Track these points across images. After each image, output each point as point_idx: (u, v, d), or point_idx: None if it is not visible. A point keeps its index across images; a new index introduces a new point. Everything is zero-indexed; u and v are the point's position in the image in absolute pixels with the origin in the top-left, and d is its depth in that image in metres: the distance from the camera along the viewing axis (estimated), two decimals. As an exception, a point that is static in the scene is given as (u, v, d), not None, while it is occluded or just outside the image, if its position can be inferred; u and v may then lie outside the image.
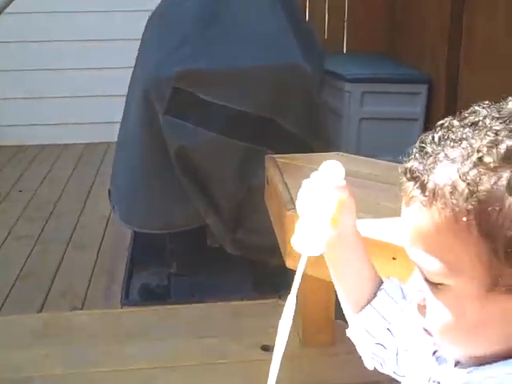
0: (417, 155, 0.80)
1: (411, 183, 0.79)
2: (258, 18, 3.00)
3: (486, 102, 0.82)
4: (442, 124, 0.81)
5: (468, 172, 0.74)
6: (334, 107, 5.07)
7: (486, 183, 0.74)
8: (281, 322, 0.89)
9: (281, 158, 2.66)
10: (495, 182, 0.73)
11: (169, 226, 3.10)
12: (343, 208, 0.97)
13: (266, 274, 3.02)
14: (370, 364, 1.07)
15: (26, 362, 2.43)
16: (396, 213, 2.13)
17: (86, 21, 5.41)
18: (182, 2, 3.19)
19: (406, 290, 1.04)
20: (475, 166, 0.74)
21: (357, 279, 1.06)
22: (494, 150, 0.74)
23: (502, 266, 0.75)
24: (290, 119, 2.95)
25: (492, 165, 0.74)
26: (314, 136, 2.96)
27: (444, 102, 4.92)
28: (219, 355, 2.48)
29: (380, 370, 1.06)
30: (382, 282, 1.06)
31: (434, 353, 0.90)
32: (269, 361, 2.71)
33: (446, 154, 0.77)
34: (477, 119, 0.79)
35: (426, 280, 0.81)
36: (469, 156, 0.75)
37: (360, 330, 1.05)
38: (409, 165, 0.80)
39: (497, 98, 0.87)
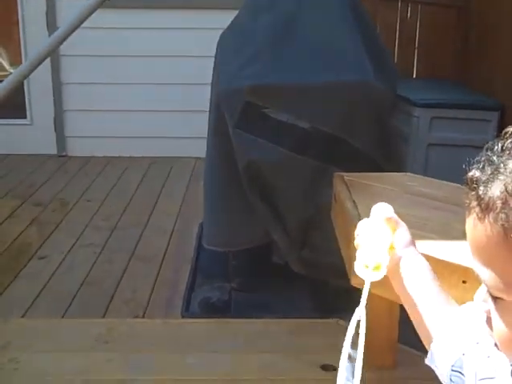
0: (480, 164, 0.79)
1: (471, 193, 0.79)
2: (332, 34, 3.00)
3: None
4: (505, 133, 0.80)
5: None
6: (402, 132, 5.02)
7: None
8: (345, 343, 0.96)
9: (349, 176, 2.64)
10: None
11: (234, 244, 3.11)
12: (398, 237, 1.08)
13: (328, 294, 2.99)
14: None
15: (87, 365, 2.46)
16: (465, 235, 2.09)
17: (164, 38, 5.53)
18: (255, 18, 3.22)
19: None
20: None
21: (432, 300, 1.07)
22: None
23: None
24: (360, 138, 2.93)
25: None
26: (384, 156, 2.93)
27: (516, 130, 4.81)
28: (278, 372, 2.46)
29: None
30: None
31: None
32: (328, 380, 2.68)
33: (505, 166, 0.75)
34: None
35: (488, 291, 0.80)
36: None
37: (435, 357, 1.04)
38: (471, 174, 0.79)
39: None
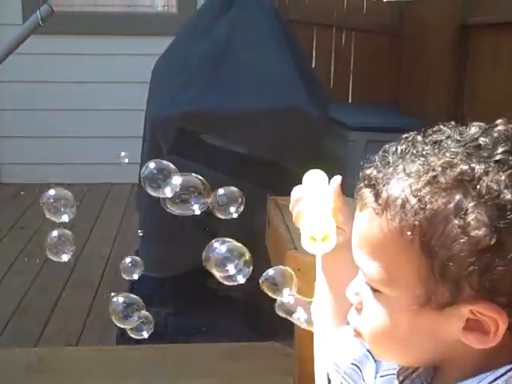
0: (377, 163, 0.82)
1: (367, 190, 0.82)
2: (265, 60, 3.04)
3: (452, 123, 0.84)
4: (407, 137, 0.83)
5: (421, 188, 0.76)
6: (338, 156, 5.09)
7: (436, 202, 0.76)
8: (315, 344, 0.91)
9: (283, 200, 2.66)
10: (444, 203, 0.75)
11: (169, 270, 3.09)
12: (340, 213, 1.00)
13: (264, 318, 2.98)
14: (336, 381, 1.05)
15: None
16: None
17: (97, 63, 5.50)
18: (189, 45, 3.25)
19: None
20: (429, 183, 0.76)
21: (343, 294, 1.05)
22: (448, 171, 0.76)
23: (436, 284, 0.76)
24: (294, 162, 2.96)
25: (444, 185, 0.76)
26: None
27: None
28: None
29: None
30: None
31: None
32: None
33: (404, 167, 0.79)
34: (439, 138, 0.81)
35: (367, 284, 0.83)
36: (424, 173, 0.77)
37: (337, 348, 1.04)
38: (368, 171, 0.82)
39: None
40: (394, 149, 0.82)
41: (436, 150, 0.79)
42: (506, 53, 4.43)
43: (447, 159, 0.77)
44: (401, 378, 0.90)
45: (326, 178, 1.04)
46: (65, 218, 1.19)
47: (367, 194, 0.81)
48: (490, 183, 0.75)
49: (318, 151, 3.11)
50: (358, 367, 1.01)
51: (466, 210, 0.74)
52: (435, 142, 0.80)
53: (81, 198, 5.16)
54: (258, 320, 3.04)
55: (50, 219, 1.16)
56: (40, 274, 3.71)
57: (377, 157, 0.84)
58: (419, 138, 0.82)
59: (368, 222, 0.81)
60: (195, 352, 2.75)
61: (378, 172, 0.81)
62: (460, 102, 4.89)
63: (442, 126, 0.83)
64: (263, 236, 2.64)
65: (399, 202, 0.77)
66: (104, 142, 5.52)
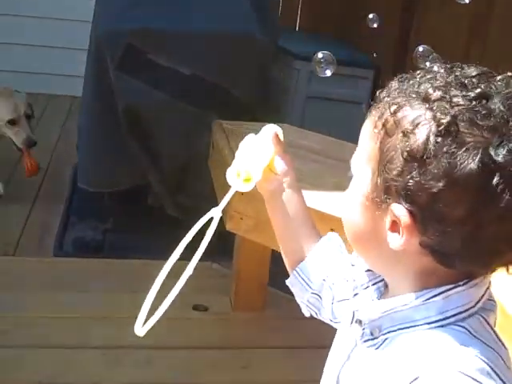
0: (387, 88, 0.88)
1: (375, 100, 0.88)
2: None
3: (443, 64, 0.89)
4: (427, 70, 0.88)
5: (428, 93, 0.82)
6: (282, 84, 5.09)
7: (403, 107, 0.83)
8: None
9: (228, 124, 2.68)
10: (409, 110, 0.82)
11: (114, 185, 3.09)
12: (279, 161, 1.06)
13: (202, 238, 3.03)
14: (306, 312, 1.14)
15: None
16: (338, 187, 2.19)
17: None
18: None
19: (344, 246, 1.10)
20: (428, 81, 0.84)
21: (298, 233, 1.12)
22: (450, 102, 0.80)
23: (378, 181, 0.84)
24: (241, 88, 2.97)
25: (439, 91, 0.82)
26: (263, 106, 2.99)
27: (389, 88, 5.01)
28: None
29: (316, 317, 1.13)
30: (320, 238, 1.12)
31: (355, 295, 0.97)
32: (199, 320, 2.76)
33: (415, 88, 0.84)
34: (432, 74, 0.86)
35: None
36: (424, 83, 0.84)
37: (297, 281, 1.11)
38: (392, 84, 0.88)
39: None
40: (405, 76, 0.88)
41: (430, 76, 0.85)
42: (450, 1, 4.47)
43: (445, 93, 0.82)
44: (354, 292, 0.97)
45: (281, 132, 1.08)
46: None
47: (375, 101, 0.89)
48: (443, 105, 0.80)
49: (265, 78, 3.12)
50: (318, 295, 1.09)
51: (419, 123, 0.80)
52: (425, 73, 0.87)
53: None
54: (195, 240, 3.09)
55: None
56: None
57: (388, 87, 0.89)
58: (442, 71, 0.86)
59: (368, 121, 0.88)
60: (132, 267, 2.79)
61: (401, 85, 0.87)
62: (406, 37, 4.93)
63: (431, 66, 0.89)
64: (206, 159, 2.66)
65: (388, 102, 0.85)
66: (47, 52, 5.38)
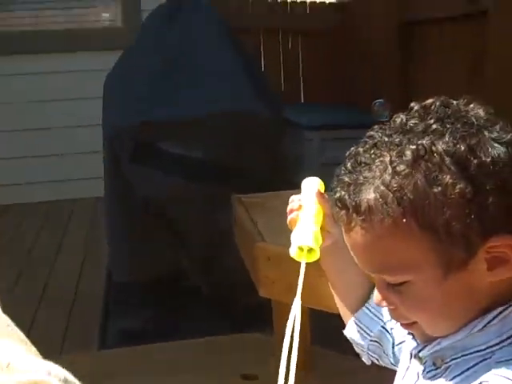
0: (338, 188, 0.93)
1: (345, 211, 0.91)
2: (215, 67, 3.14)
3: (376, 126, 0.96)
4: (348, 154, 0.94)
5: (390, 182, 0.87)
6: (295, 155, 5.22)
7: (409, 185, 0.86)
8: (288, 324, 0.99)
9: (246, 198, 2.77)
10: (415, 183, 0.86)
11: (148, 275, 3.15)
12: (329, 218, 1.09)
13: (243, 312, 3.06)
14: (367, 360, 1.18)
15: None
16: None
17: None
18: (140, 57, 3.33)
19: None
20: (393, 175, 0.87)
21: (351, 285, 1.18)
22: (403, 158, 0.87)
23: (449, 249, 0.86)
24: (252, 164, 3.07)
25: (407, 170, 0.87)
26: (277, 178, 3.09)
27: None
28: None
29: (377, 363, 1.18)
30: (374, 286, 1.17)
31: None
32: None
33: (364, 176, 0.89)
34: (375, 141, 0.92)
35: (390, 285, 0.92)
36: (385, 170, 0.88)
37: (356, 330, 1.16)
38: (337, 196, 0.92)
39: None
40: (343, 169, 0.93)
41: (380, 150, 0.90)
42: (447, 44, 4.59)
43: (396, 150, 0.88)
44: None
45: (320, 183, 1.12)
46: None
47: (348, 213, 0.90)
48: (442, 147, 0.86)
49: (276, 152, 3.23)
50: (378, 342, 1.14)
51: (436, 177, 0.85)
52: (374, 145, 0.91)
53: (45, 215, 5.21)
54: (235, 314, 3.11)
55: None
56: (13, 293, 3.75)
57: (334, 183, 0.94)
58: (360, 149, 0.93)
59: (362, 238, 0.89)
60: (179, 349, 2.82)
61: (345, 192, 0.91)
62: (408, 94, 5.05)
63: (370, 132, 0.95)
64: (232, 234, 2.74)
65: (379, 201, 0.86)
66: (63, 159, 5.56)
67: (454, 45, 4.49)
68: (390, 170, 0.87)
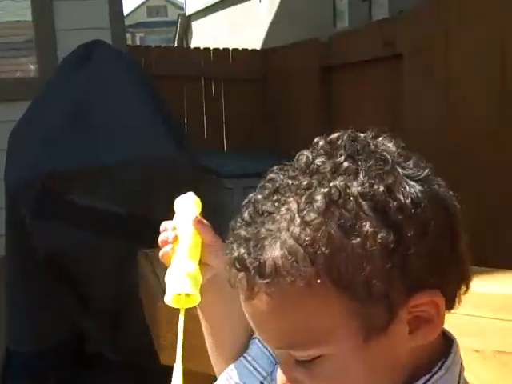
0: (235, 245, 0.75)
1: (244, 273, 0.73)
2: (125, 114, 3.01)
3: (276, 167, 0.80)
4: (246, 203, 0.77)
5: (299, 235, 0.70)
6: (217, 204, 5.09)
7: (323, 238, 0.69)
8: None
9: (153, 252, 2.61)
10: (329, 234, 0.70)
11: (46, 340, 2.94)
12: (209, 249, 0.94)
13: (150, 377, 2.87)
14: None
15: None
16: None
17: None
18: (45, 108, 3.18)
19: None
20: (303, 227, 0.70)
21: (231, 329, 1.02)
22: (314, 205, 0.71)
23: (368, 309, 0.71)
24: (164, 214, 2.92)
25: (319, 219, 0.70)
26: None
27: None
28: None
29: None
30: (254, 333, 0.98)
31: None
32: None
33: (267, 229, 0.72)
34: (277, 184, 0.75)
35: (299, 362, 0.75)
36: (292, 220, 0.71)
37: (231, 382, 1.00)
38: (234, 255, 0.74)
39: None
40: (239, 221, 0.76)
41: (285, 196, 0.74)
42: (366, 88, 4.60)
43: (303, 196, 0.72)
44: None
45: (197, 202, 0.98)
46: None
47: (249, 277, 0.73)
48: (357, 189, 0.71)
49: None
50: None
51: (354, 225, 0.70)
52: (275, 190, 0.75)
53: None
54: (145, 380, 2.93)
55: None
56: None
57: (229, 240, 0.77)
58: (258, 196, 0.76)
59: (267, 306, 0.72)
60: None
61: (244, 249, 0.73)
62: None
63: (270, 175, 0.78)
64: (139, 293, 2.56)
65: (289, 259, 0.70)
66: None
67: (373, 87, 4.49)
68: (298, 220, 0.71)
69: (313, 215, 0.70)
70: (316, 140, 0.80)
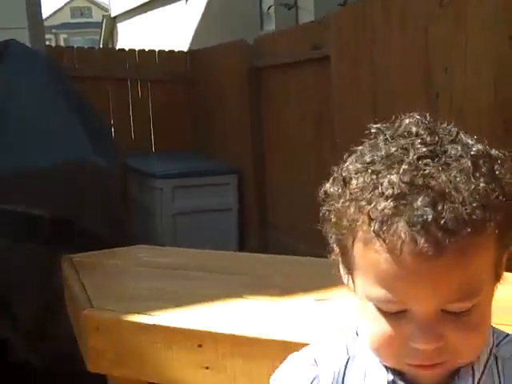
0: (418, 205, 0.73)
1: (431, 232, 0.72)
2: (43, 117, 2.93)
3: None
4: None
5: (478, 186, 0.75)
6: (147, 205, 5.03)
7: (494, 189, 0.76)
8: None
9: (77, 257, 2.53)
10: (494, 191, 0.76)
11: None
12: None
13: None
14: None
15: None
16: (206, 299, 2.04)
17: None
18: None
19: None
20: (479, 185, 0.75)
21: None
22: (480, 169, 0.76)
23: (501, 259, 0.80)
24: (87, 217, 2.84)
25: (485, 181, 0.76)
26: (115, 231, 2.86)
27: (253, 189, 5.04)
28: None
29: None
30: None
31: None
32: None
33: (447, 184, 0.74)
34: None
35: (447, 318, 0.76)
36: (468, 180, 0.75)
37: None
38: (422, 218, 0.72)
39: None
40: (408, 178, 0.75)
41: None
42: (292, 88, 4.61)
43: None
44: None
45: None
46: None
47: (435, 237, 0.72)
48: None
49: (114, 204, 3.01)
50: None
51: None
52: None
53: None
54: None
55: None
56: None
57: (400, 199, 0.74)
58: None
59: (455, 260, 0.73)
60: None
61: (431, 207, 0.73)
62: (259, 138, 5.01)
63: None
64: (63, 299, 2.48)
65: (478, 213, 0.73)
66: None
67: (301, 89, 4.50)
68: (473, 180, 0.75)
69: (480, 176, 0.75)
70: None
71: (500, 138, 2.60)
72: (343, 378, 0.86)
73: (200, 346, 1.95)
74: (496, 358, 0.84)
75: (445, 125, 0.82)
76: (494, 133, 2.67)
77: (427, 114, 0.83)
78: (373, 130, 0.83)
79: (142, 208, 4.91)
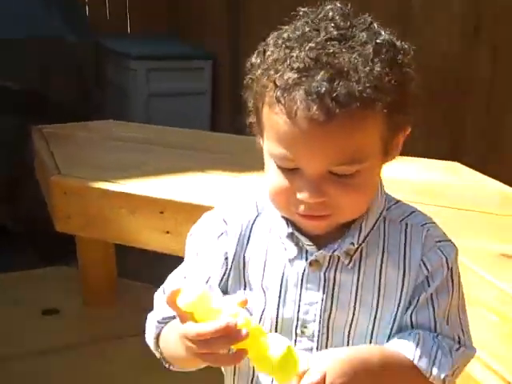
0: (317, 76, 0.82)
1: (323, 101, 0.81)
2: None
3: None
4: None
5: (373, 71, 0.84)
6: (121, 86, 5.04)
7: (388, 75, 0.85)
8: None
9: (49, 128, 2.61)
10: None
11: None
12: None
13: (50, 244, 2.91)
14: None
15: None
16: (161, 171, 2.13)
17: None
18: None
19: None
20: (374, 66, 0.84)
21: None
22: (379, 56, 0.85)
23: (391, 133, 0.90)
24: (58, 91, 2.90)
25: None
26: (85, 105, 2.93)
27: (228, 74, 5.05)
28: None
29: None
30: None
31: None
32: (48, 324, 2.59)
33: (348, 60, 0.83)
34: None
35: (335, 177, 0.87)
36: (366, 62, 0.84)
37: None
38: (317, 88, 0.81)
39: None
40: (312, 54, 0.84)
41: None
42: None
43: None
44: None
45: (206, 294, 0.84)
46: None
47: (327, 105, 0.82)
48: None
49: (84, 78, 3.06)
50: None
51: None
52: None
53: None
54: (45, 247, 2.96)
55: None
56: None
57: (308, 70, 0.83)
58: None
59: (342, 128, 0.83)
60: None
61: (327, 80, 0.82)
62: (235, 22, 4.98)
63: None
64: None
65: (368, 92, 0.82)
66: None
67: None
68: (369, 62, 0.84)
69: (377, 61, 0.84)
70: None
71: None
72: (250, 232, 0.99)
73: (162, 212, 2.08)
74: (385, 220, 0.97)
75: (366, 16, 0.91)
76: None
77: (349, 4, 0.92)
78: (300, 13, 0.92)
79: (119, 89, 4.93)
